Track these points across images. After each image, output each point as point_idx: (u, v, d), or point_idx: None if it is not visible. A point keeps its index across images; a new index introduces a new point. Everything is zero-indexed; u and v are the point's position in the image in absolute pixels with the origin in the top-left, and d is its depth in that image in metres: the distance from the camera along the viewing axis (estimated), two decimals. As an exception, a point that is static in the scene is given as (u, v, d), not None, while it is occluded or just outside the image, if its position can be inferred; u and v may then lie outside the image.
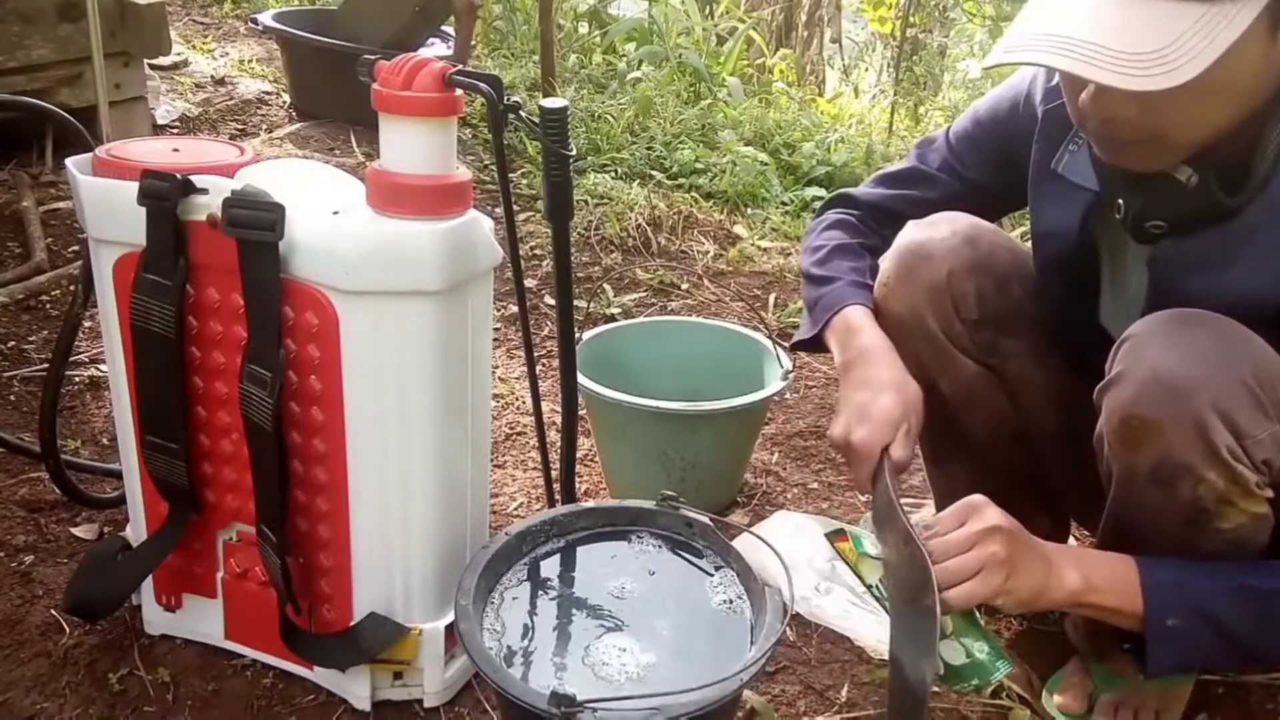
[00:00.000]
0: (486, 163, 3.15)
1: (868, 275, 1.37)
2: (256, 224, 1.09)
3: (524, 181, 3.03)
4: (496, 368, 2.16)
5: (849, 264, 1.38)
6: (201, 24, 4.26)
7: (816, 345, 1.37)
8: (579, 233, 2.72)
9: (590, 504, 1.30)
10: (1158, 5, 0.93)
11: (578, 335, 1.47)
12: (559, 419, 1.38)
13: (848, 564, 1.22)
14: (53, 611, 1.40)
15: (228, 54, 3.89)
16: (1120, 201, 1.14)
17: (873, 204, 1.44)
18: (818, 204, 3.17)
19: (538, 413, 1.40)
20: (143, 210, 1.13)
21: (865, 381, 1.24)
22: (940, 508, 1.50)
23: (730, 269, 2.70)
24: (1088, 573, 1.09)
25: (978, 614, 1.14)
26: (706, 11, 5.27)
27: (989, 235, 1.30)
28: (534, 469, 1.83)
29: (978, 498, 1.12)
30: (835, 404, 1.32)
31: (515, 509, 1.72)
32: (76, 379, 1.96)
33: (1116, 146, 1.06)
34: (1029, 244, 1.33)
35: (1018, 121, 1.29)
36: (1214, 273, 1.08)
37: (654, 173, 3.21)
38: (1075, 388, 1.31)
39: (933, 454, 1.50)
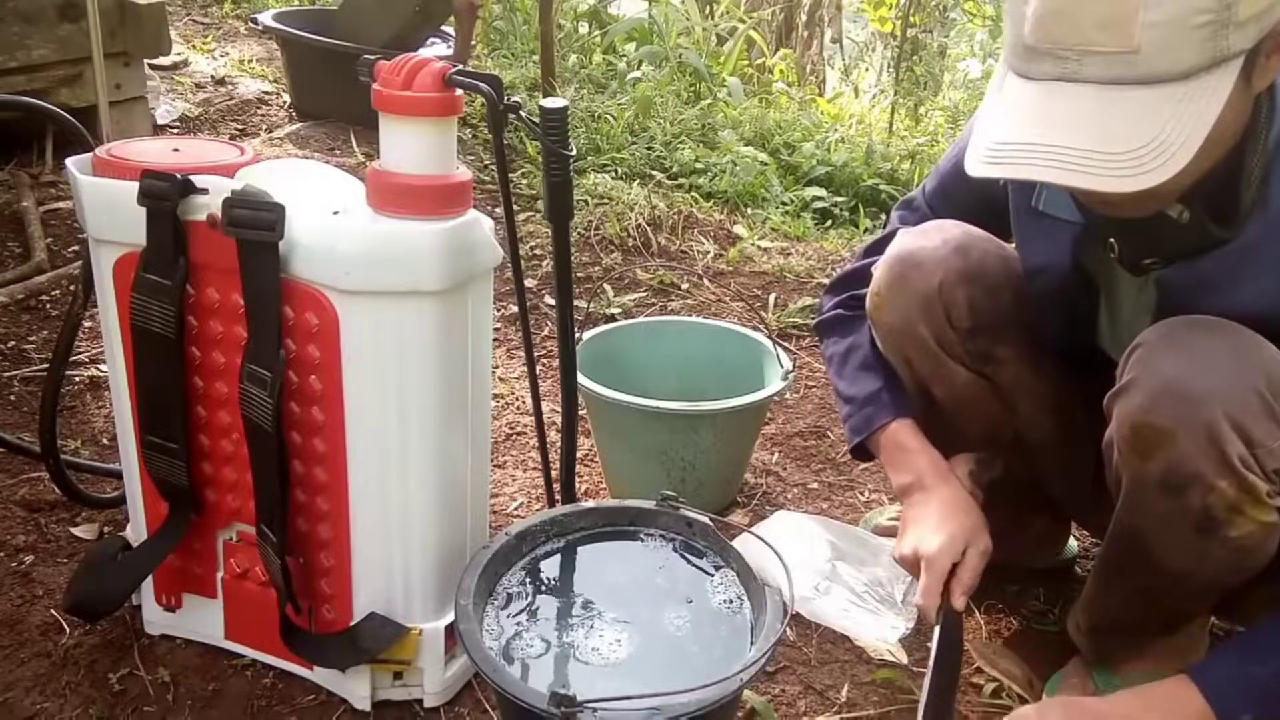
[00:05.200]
0: (486, 163, 3.15)
1: (881, 369, 1.38)
2: (256, 224, 1.09)
3: (524, 181, 3.03)
4: (496, 368, 2.16)
5: (857, 368, 1.40)
6: (201, 24, 4.26)
7: (864, 454, 1.41)
8: (579, 233, 2.72)
9: (590, 504, 1.30)
10: (1138, 93, 0.90)
11: (578, 335, 1.47)
12: (559, 419, 1.38)
13: None
14: (53, 611, 1.40)
15: (228, 54, 3.89)
16: (1112, 241, 1.14)
17: (862, 277, 1.42)
18: (818, 204, 3.22)
19: (538, 413, 1.40)
20: (143, 210, 1.13)
21: (930, 501, 1.27)
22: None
23: (730, 269, 2.70)
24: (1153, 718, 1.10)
25: None
26: (706, 11, 5.27)
27: (980, 243, 1.30)
28: (534, 469, 1.83)
29: (1026, 712, 1.16)
30: (900, 525, 1.33)
31: (515, 509, 1.72)
32: (76, 379, 1.96)
33: (1109, 208, 1.07)
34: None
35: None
36: (1219, 295, 1.07)
37: (654, 173, 3.21)
38: (1070, 393, 1.32)
39: None
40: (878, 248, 1.43)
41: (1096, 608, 1.28)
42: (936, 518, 1.26)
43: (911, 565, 1.25)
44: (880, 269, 1.32)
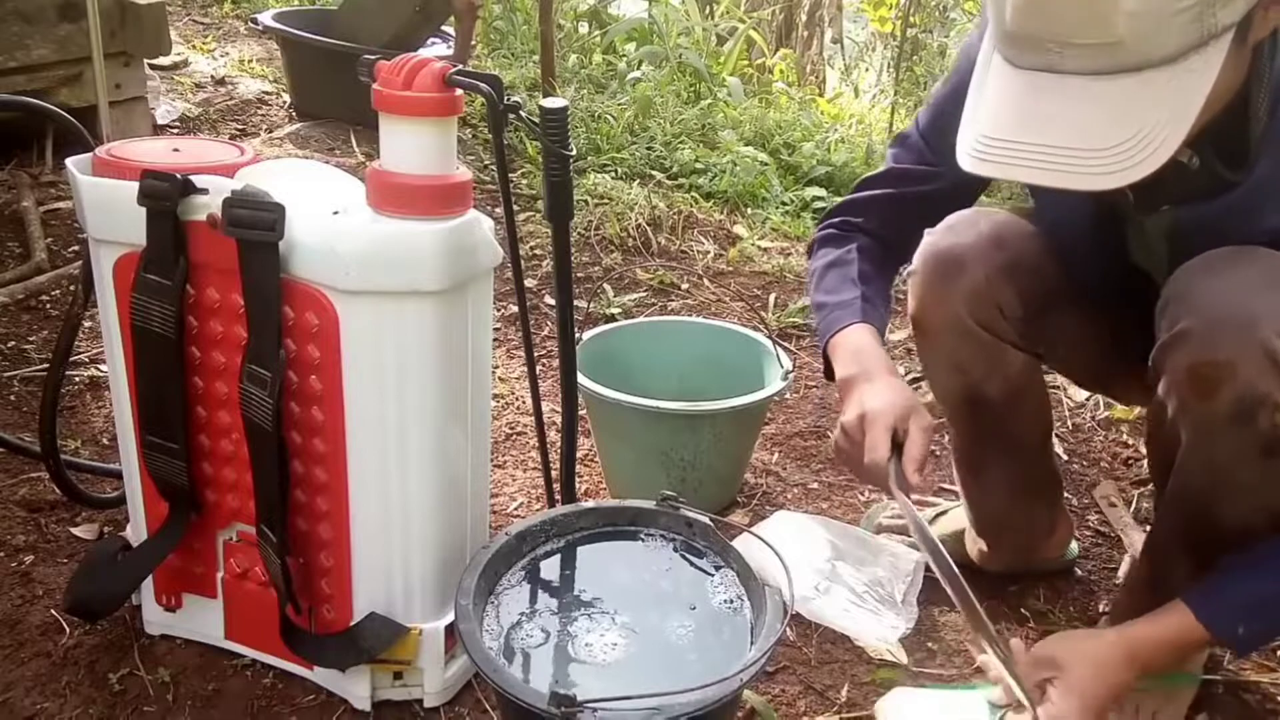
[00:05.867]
0: (486, 163, 3.15)
1: (860, 283, 1.36)
2: (256, 224, 1.09)
3: (524, 181, 3.03)
4: (496, 368, 2.16)
5: (838, 280, 1.38)
6: (201, 24, 4.26)
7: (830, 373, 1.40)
8: (579, 233, 2.72)
9: (590, 504, 1.29)
10: (1123, 82, 0.89)
11: (578, 335, 1.47)
12: (559, 419, 1.38)
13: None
14: (53, 611, 1.40)
15: (228, 54, 3.89)
16: (1125, 189, 1.12)
17: (855, 207, 1.44)
18: (818, 204, 3.22)
19: (538, 413, 1.40)
20: (143, 210, 1.13)
21: (873, 383, 1.26)
22: (976, 520, 1.52)
23: (730, 269, 2.70)
24: (1144, 653, 1.15)
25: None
26: (706, 11, 5.26)
27: (1011, 228, 1.29)
28: (534, 469, 1.83)
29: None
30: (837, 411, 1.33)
31: (515, 509, 1.72)
32: (76, 379, 1.96)
33: None
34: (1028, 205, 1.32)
35: None
36: (1235, 233, 1.07)
37: (654, 173, 3.21)
38: (1119, 318, 1.31)
39: (971, 465, 1.48)
40: (868, 183, 1.44)
41: (1157, 570, 1.27)
42: (875, 392, 1.24)
43: (854, 428, 1.23)
44: (919, 275, 1.31)
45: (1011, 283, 1.27)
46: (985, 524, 1.52)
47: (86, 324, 2.02)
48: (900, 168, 1.41)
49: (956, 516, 1.60)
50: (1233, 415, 1.04)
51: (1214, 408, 1.05)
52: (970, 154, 0.97)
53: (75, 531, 1.57)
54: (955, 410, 1.40)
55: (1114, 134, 0.90)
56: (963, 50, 1.32)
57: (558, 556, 1.24)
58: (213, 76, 3.59)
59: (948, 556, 1.15)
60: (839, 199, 1.50)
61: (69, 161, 1.21)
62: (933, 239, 1.30)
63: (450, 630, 1.24)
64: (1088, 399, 2.13)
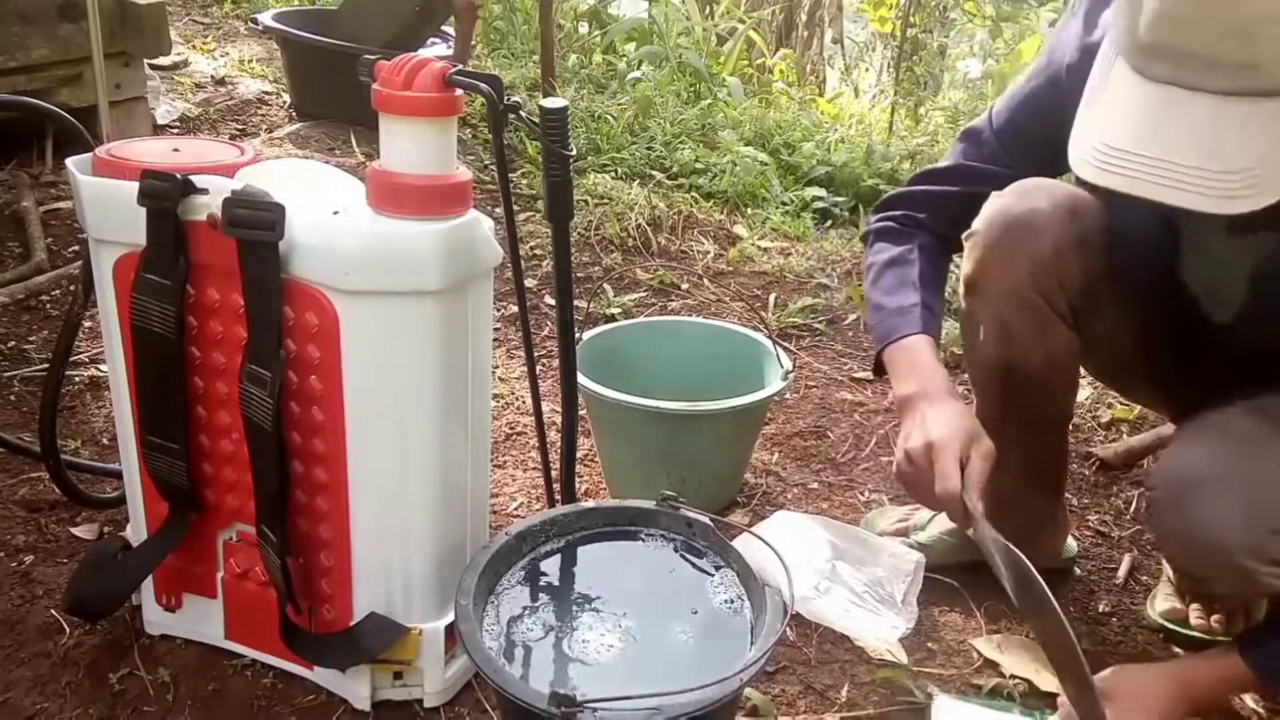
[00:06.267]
0: (486, 163, 3.15)
1: (920, 287, 1.35)
2: (257, 224, 1.09)
3: (524, 181, 3.03)
4: (496, 368, 2.16)
5: (897, 281, 1.37)
6: (201, 24, 4.26)
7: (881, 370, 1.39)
8: (579, 233, 2.72)
9: (590, 504, 1.29)
10: (1257, 106, 0.86)
11: (578, 335, 1.47)
12: (559, 419, 1.38)
13: None
14: (53, 611, 1.40)
15: (228, 54, 3.89)
16: None
17: (915, 201, 1.41)
18: (818, 204, 3.22)
19: (538, 413, 1.40)
20: (143, 210, 1.13)
21: (935, 408, 1.26)
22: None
23: (730, 269, 2.70)
24: (1193, 690, 1.21)
25: None
26: (706, 11, 5.27)
27: (1084, 202, 1.25)
28: (534, 469, 1.83)
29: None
30: (895, 437, 1.33)
31: (515, 509, 1.72)
32: (76, 379, 1.96)
33: None
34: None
35: (1061, 104, 1.23)
36: None
37: (654, 173, 3.21)
38: (1152, 328, 1.31)
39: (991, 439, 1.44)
40: (932, 177, 1.41)
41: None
42: (939, 418, 1.24)
43: (921, 455, 1.23)
44: (983, 237, 1.27)
45: (1078, 257, 1.24)
46: (991, 506, 1.48)
47: (86, 324, 2.02)
48: (970, 166, 1.38)
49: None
50: (1234, 588, 1.14)
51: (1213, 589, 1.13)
52: (1091, 162, 0.95)
53: (75, 531, 1.57)
54: (989, 380, 1.36)
55: (1243, 158, 0.87)
56: (1050, 51, 1.28)
57: (558, 556, 1.24)
58: (213, 76, 3.59)
59: (1046, 590, 1.11)
60: (893, 189, 1.48)
61: (69, 161, 1.21)
62: (1004, 202, 1.26)
63: (450, 630, 1.24)
64: (1087, 398, 2.13)
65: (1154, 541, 1.21)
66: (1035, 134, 1.30)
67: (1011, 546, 1.15)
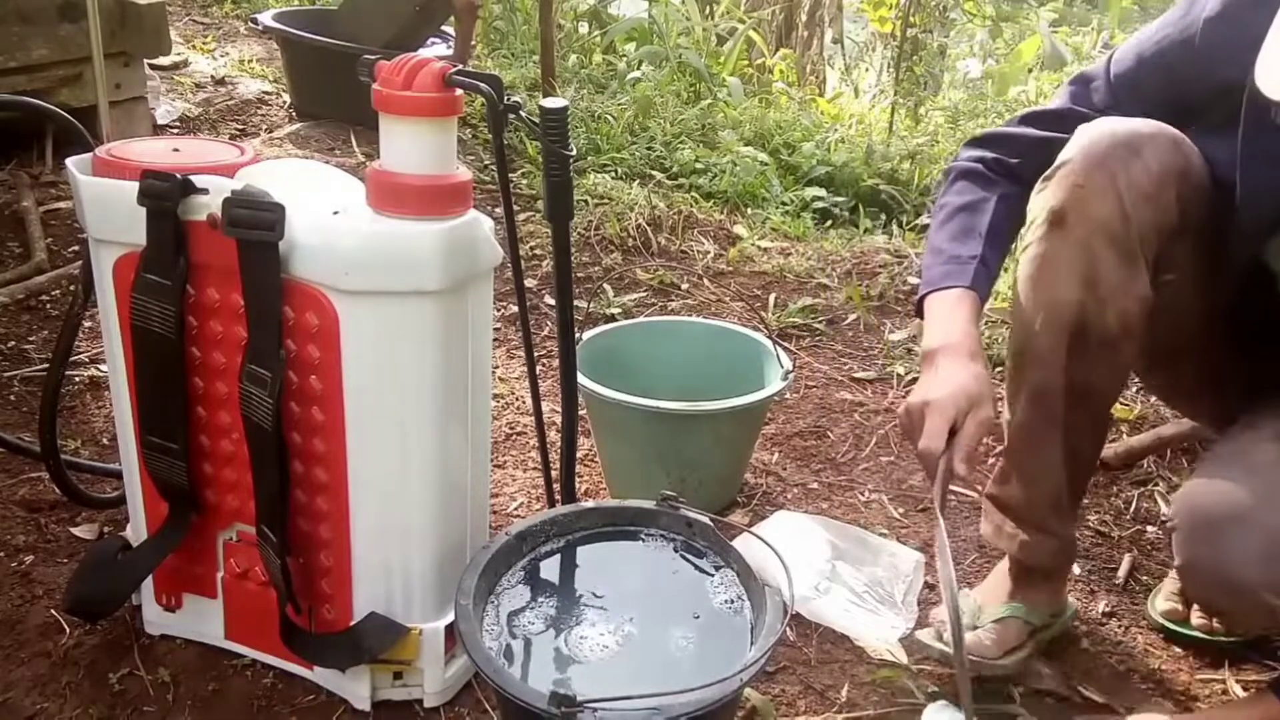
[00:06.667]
0: (486, 163, 3.15)
1: (985, 240, 1.27)
2: (257, 224, 1.09)
3: (524, 181, 3.03)
4: (496, 368, 2.16)
5: (963, 228, 1.29)
6: (201, 24, 4.26)
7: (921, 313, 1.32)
8: (579, 233, 2.72)
9: (590, 504, 1.30)
10: None
11: (578, 335, 1.47)
12: (559, 419, 1.38)
13: None
14: (53, 611, 1.40)
15: (228, 54, 3.89)
16: None
17: (1015, 144, 1.33)
18: (818, 204, 3.22)
19: (538, 413, 1.40)
20: (143, 210, 1.13)
21: (949, 365, 1.20)
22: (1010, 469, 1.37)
23: (730, 269, 2.70)
24: None
25: None
26: (706, 11, 5.27)
27: (1188, 142, 1.18)
28: (534, 469, 1.83)
29: None
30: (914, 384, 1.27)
31: (515, 509, 1.72)
32: (76, 379, 1.96)
33: None
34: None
35: (1191, 62, 1.19)
36: None
37: (654, 173, 3.21)
38: (1218, 313, 1.26)
39: (1045, 415, 1.30)
40: (1038, 120, 1.33)
41: None
42: (948, 376, 1.20)
43: (916, 411, 1.20)
44: (1082, 158, 1.16)
45: (1177, 188, 1.15)
46: (1019, 471, 1.35)
47: (86, 324, 2.02)
48: (1077, 110, 1.29)
49: None
50: (1256, 623, 1.14)
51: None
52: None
53: (75, 531, 1.57)
54: (1055, 340, 1.21)
55: None
56: (1189, 2, 1.21)
57: (558, 556, 1.24)
58: (213, 76, 3.59)
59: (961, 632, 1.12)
60: (991, 130, 1.39)
61: (69, 161, 1.21)
62: (1104, 126, 1.17)
63: (450, 630, 1.24)
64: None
65: (1177, 571, 1.16)
66: (1156, 91, 1.22)
67: (947, 551, 1.13)
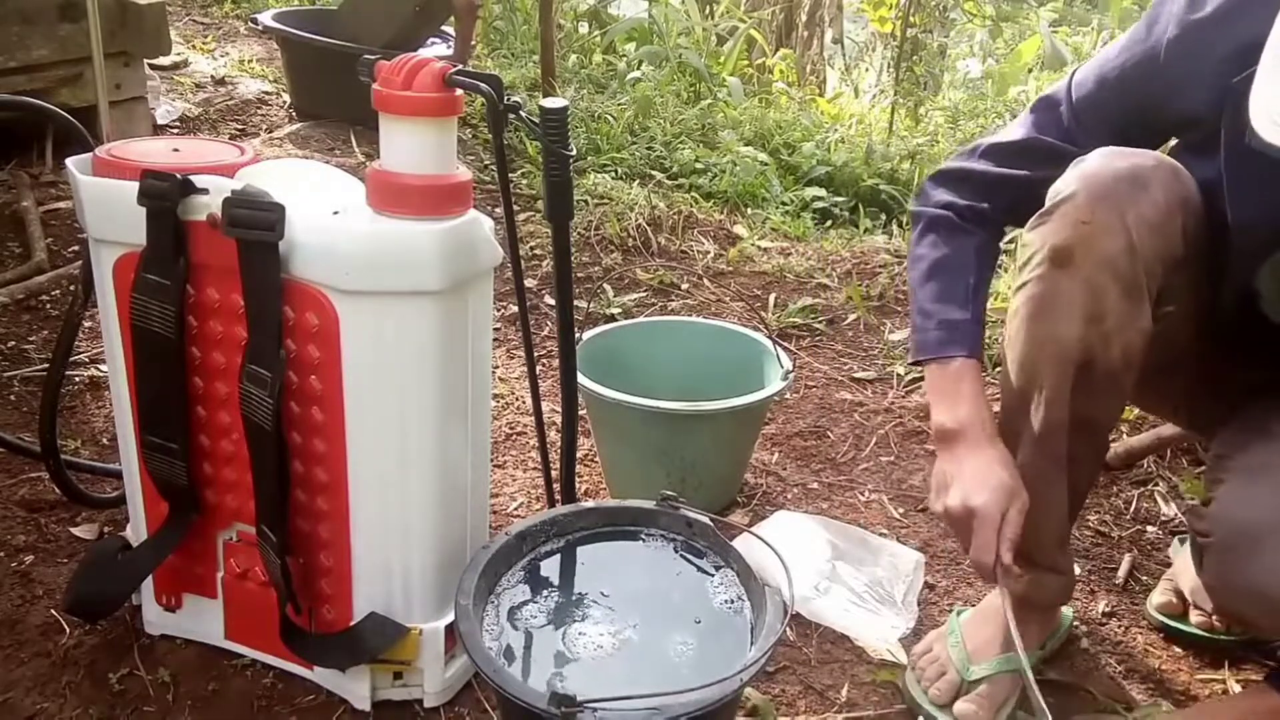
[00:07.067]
0: (486, 163, 3.15)
1: (972, 299, 1.27)
2: (256, 224, 1.09)
3: (524, 181, 3.03)
4: (496, 368, 2.16)
5: (947, 287, 1.28)
6: (201, 24, 4.26)
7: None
8: (579, 233, 2.72)
9: (590, 504, 1.29)
10: None
11: (578, 335, 1.47)
12: (559, 419, 1.38)
13: None
14: (53, 611, 1.40)
15: (228, 54, 3.89)
16: None
17: (981, 184, 1.30)
18: (818, 204, 3.22)
19: (538, 413, 1.40)
20: (143, 210, 1.13)
21: (975, 455, 1.21)
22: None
23: (730, 269, 2.70)
24: None
25: None
26: (706, 11, 5.27)
27: (1182, 168, 1.15)
28: (534, 469, 1.83)
29: None
30: (933, 474, 1.27)
31: (515, 509, 1.72)
32: (76, 379, 1.96)
33: None
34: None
35: (1156, 83, 1.16)
36: None
37: (654, 173, 3.21)
38: (1202, 329, 1.25)
39: (1048, 452, 1.28)
40: (1000, 154, 1.29)
41: None
42: (982, 473, 1.20)
43: (960, 518, 1.20)
44: (1085, 194, 1.11)
45: (1182, 218, 1.12)
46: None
47: (86, 324, 2.02)
48: (1042, 141, 1.26)
49: None
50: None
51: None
52: (1273, 121, 0.90)
53: (75, 531, 1.57)
54: (1060, 379, 1.18)
55: None
56: (1150, 24, 1.17)
57: (558, 556, 1.24)
58: (213, 76, 3.59)
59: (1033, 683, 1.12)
60: (950, 164, 1.35)
61: (69, 161, 1.21)
62: (1103, 160, 1.12)
63: (450, 630, 1.24)
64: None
65: (1207, 586, 1.15)
66: (1121, 115, 1.20)
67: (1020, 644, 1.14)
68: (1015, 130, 1.30)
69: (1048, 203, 1.15)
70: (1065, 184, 1.14)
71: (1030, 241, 1.17)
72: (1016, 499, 1.19)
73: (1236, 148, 1.05)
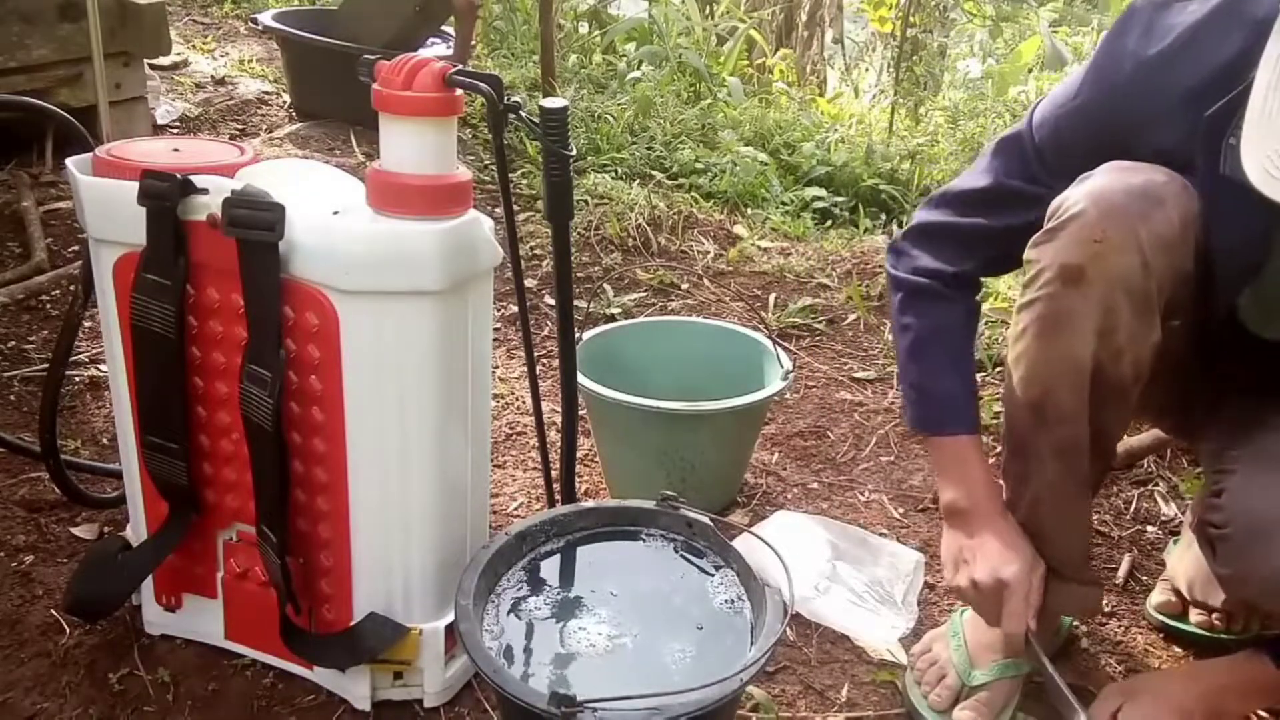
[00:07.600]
0: (486, 163, 3.15)
1: (963, 372, 1.30)
2: (256, 224, 1.09)
3: (524, 181, 3.03)
4: (496, 368, 2.16)
5: (940, 361, 1.30)
6: (201, 24, 4.26)
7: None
8: (579, 233, 2.72)
9: (590, 504, 1.30)
10: None
11: (578, 335, 1.47)
12: (559, 419, 1.38)
13: None
14: (53, 611, 1.40)
15: (228, 54, 3.89)
16: None
17: (955, 243, 1.29)
18: (818, 204, 3.22)
19: (538, 413, 1.40)
20: (143, 210, 1.13)
21: (992, 530, 1.24)
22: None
23: (730, 269, 2.70)
24: (1214, 691, 1.22)
25: None
26: (706, 11, 5.27)
27: (1188, 183, 1.11)
28: (534, 469, 1.83)
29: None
30: (942, 550, 1.31)
31: (515, 509, 1.72)
32: (76, 379, 1.96)
33: None
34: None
35: (1117, 119, 1.14)
36: None
37: (654, 173, 3.21)
38: (1194, 339, 1.24)
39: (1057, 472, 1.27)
40: (964, 203, 1.28)
41: None
42: (1003, 546, 1.23)
43: (991, 591, 1.22)
44: (1098, 211, 1.07)
45: (1195, 233, 1.10)
46: (1049, 531, 1.31)
47: (86, 324, 2.02)
48: (1009, 187, 1.24)
49: None
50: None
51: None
52: (1263, 168, 0.89)
53: (75, 531, 1.57)
54: (1078, 397, 1.16)
55: None
56: (1100, 64, 1.15)
57: (558, 556, 1.24)
58: (213, 76, 3.59)
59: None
60: (920, 218, 1.33)
61: (69, 161, 1.21)
62: (1113, 177, 1.09)
63: (450, 630, 1.24)
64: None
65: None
66: (1087, 154, 1.15)
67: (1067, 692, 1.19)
68: (980, 177, 1.27)
69: (1050, 219, 1.12)
70: (1071, 201, 1.10)
71: (1036, 259, 1.14)
72: (1039, 567, 1.23)
73: (1215, 177, 1.04)
